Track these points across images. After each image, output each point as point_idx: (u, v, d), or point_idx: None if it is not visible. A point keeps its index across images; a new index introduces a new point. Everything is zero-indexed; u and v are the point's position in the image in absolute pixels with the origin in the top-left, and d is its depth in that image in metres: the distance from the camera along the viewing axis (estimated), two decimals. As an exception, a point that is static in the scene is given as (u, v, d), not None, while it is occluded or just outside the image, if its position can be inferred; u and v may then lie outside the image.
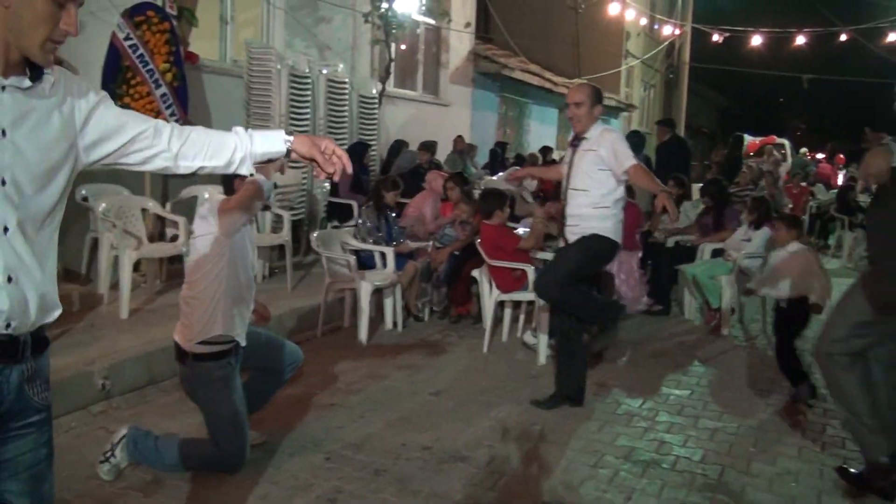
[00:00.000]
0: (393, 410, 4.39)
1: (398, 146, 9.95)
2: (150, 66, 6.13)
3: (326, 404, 4.47)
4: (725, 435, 4.20)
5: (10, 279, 1.55)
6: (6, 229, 1.54)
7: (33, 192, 1.58)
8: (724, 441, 4.11)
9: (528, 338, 5.70)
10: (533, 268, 5.52)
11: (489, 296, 5.73)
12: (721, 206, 7.20)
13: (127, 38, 6.13)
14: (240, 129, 1.88)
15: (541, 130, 16.65)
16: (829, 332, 3.52)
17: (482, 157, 12.25)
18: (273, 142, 1.87)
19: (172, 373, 4.25)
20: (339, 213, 8.18)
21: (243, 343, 3.38)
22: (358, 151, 8.49)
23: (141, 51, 6.12)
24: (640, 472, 3.67)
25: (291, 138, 1.88)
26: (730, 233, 6.88)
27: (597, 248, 4.37)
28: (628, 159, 4.22)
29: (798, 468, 3.78)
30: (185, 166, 1.82)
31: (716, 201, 7.23)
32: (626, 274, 6.54)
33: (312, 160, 1.85)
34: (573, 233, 4.40)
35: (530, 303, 5.74)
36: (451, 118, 12.69)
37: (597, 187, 4.30)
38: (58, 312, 1.70)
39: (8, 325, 1.57)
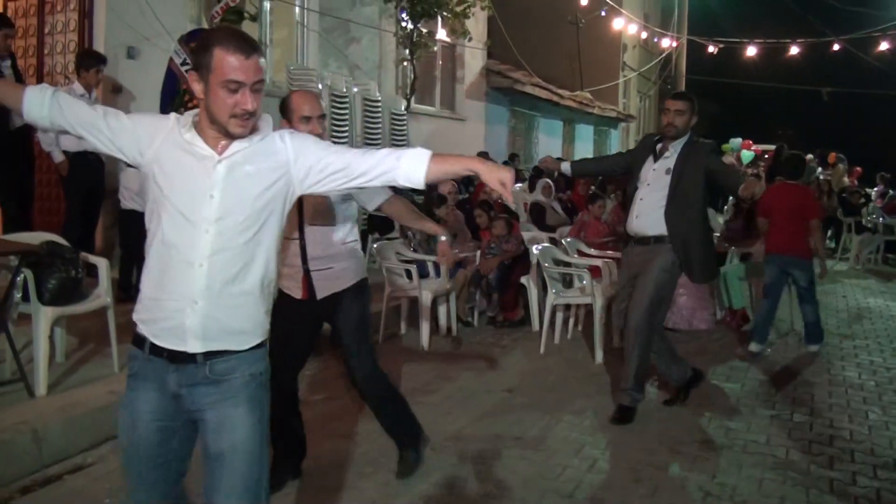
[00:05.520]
0: (474, 407, 4.74)
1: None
2: None
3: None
4: (781, 421, 4.60)
5: None
6: None
7: None
8: (782, 427, 4.51)
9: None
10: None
11: (549, 299, 6.05)
12: (751, 215, 7.54)
13: (184, 63, 6.46)
14: None
15: (548, 142, 17.12)
16: None
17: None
18: None
19: None
20: (379, 226, 8.53)
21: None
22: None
23: None
24: (717, 456, 4.05)
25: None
26: (757, 241, 7.04)
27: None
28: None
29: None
30: None
31: (746, 210, 7.63)
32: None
33: None
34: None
35: (583, 306, 6.13)
36: (468, 132, 13.14)
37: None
38: None
39: None
